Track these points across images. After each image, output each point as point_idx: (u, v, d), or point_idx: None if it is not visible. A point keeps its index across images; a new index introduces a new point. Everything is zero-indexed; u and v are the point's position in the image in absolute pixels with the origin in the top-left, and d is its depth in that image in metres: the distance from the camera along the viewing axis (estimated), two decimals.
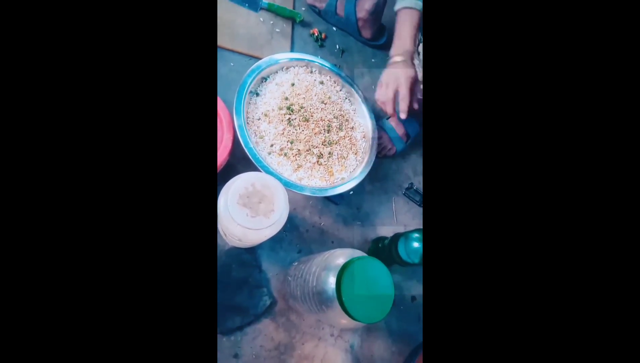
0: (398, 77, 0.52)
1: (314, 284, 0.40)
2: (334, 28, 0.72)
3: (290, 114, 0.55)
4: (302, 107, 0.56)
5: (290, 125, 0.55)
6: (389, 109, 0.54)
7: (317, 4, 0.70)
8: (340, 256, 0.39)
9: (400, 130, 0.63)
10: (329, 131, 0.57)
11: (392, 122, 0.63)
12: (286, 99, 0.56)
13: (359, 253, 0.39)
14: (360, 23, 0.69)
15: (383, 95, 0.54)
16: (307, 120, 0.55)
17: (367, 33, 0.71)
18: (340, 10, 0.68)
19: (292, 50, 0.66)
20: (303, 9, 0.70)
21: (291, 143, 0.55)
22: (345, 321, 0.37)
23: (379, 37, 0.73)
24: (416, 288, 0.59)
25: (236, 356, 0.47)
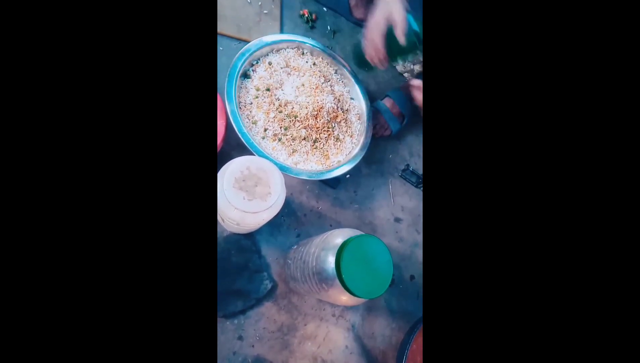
0: (389, 8, 0.47)
1: (314, 264, 0.40)
2: (325, 9, 0.70)
3: (278, 101, 0.54)
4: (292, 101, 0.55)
5: (281, 112, 0.54)
6: (375, 57, 0.50)
7: None
8: (338, 236, 0.39)
9: (395, 110, 0.62)
10: (318, 117, 0.56)
11: (387, 103, 0.63)
12: (267, 90, 0.54)
13: (357, 232, 0.39)
14: (352, 2, 0.67)
15: (373, 31, 0.49)
16: (295, 116, 0.54)
17: (359, 13, 0.69)
18: None
19: (281, 32, 0.65)
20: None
21: (285, 129, 0.54)
22: (345, 298, 0.37)
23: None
24: (414, 268, 0.60)
25: (240, 338, 0.48)
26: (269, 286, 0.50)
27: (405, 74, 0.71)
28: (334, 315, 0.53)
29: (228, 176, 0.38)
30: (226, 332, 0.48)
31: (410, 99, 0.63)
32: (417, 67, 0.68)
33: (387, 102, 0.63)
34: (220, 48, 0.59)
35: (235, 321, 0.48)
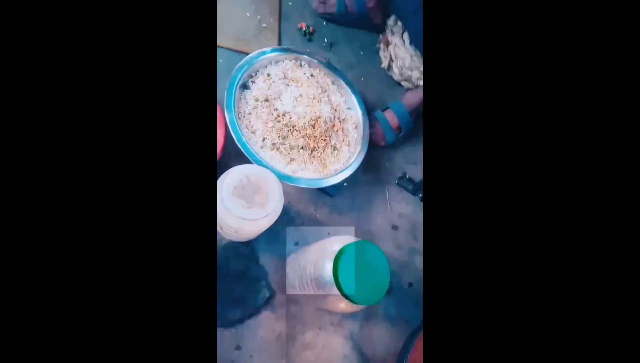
0: None
1: (312, 271, 0.40)
2: (325, 22, 0.72)
3: (277, 111, 0.55)
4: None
5: (279, 122, 0.55)
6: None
7: (329, 10, 0.70)
8: (336, 243, 0.40)
9: (394, 123, 0.64)
10: (316, 127, 0.57)
11: (387, 115, 0.64)
12: (266, 100, 0.55)
13: (354, 239, 0.40)
14: (371, 13, 0.69)
15: None
16: (293, 126, 0.55)
17: (377, 18, 0.71)
18: (351, 7, 0.68)
19: (279, 44, 0.67)
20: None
21: (283, 138, 0.55)
22: (344, 304, 0.38)
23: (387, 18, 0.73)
24: (412, 275, 0.60)
25: (238, 348, 0.48)
26: (267, 294, 0.50)
27: (403, 83, 0.72)
28: (332, 324, 0.53)
29: (227, 184, 0.39)
30: (224, 341, 0.47)
31: (409, 113, 0.64)
32: (415, 74, 0.70)
33: (387, 114, 0.64)
34: (220, 60, 0.61)
35: (234, 330, 0.48)
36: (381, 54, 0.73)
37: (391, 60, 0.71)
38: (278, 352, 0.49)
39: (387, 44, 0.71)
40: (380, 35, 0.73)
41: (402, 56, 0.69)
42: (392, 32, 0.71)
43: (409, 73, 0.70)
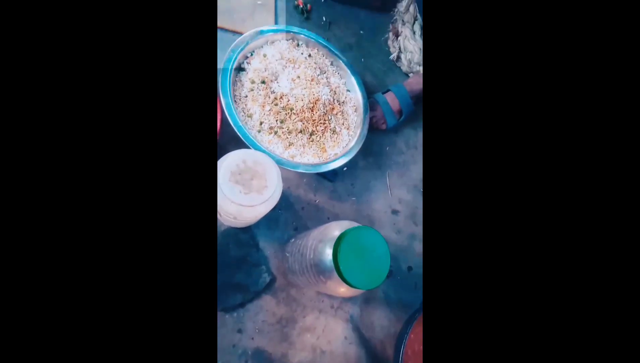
0: None
1: (312, 256, 0.40)
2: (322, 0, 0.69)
3: (274, 93, 0.53)
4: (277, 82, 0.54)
5: (276, 105, 0.53)
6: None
7: None
8: (336, 228, 0.39)
9: (395, 106, 0.62)
10: (314, 109, 0.56)
11: (388, 98, 0.62)
12: (263, 82, 0.54)
13: (354, 224, 0.39)
14: None
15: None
16: (291, 109, 0.53)
17: (376, 1, 0.68)
18: None
19: (275, 23, 0.64)
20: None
21: (281, 122, 0.53)
22: (344, 289, 0.38)
23: None
24: (411, 259, 0.61)
25: (240, 331, 0.48)
26: (268, 279, 0.50)
27: (411, 75, 0.70)
28: (332, 307, 0.53)
29: (224, 170, 0.38)
30: (225, 325, 0.48)
31: (411, 96, 0.62)
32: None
33: (387, 97, 0.62)
34: None
35: (235, 314, 0.49)
36: (390, 44, 0.70)
37: (400, 51, 0.69)
38: (279, 335, 0.50)
39: (397, 34, 0.69)
40: (390, 25, 0.70)
41: (411, 50, 0.67)
42: (403, 22, 0.68)
43: (418, 68, 0.67)
